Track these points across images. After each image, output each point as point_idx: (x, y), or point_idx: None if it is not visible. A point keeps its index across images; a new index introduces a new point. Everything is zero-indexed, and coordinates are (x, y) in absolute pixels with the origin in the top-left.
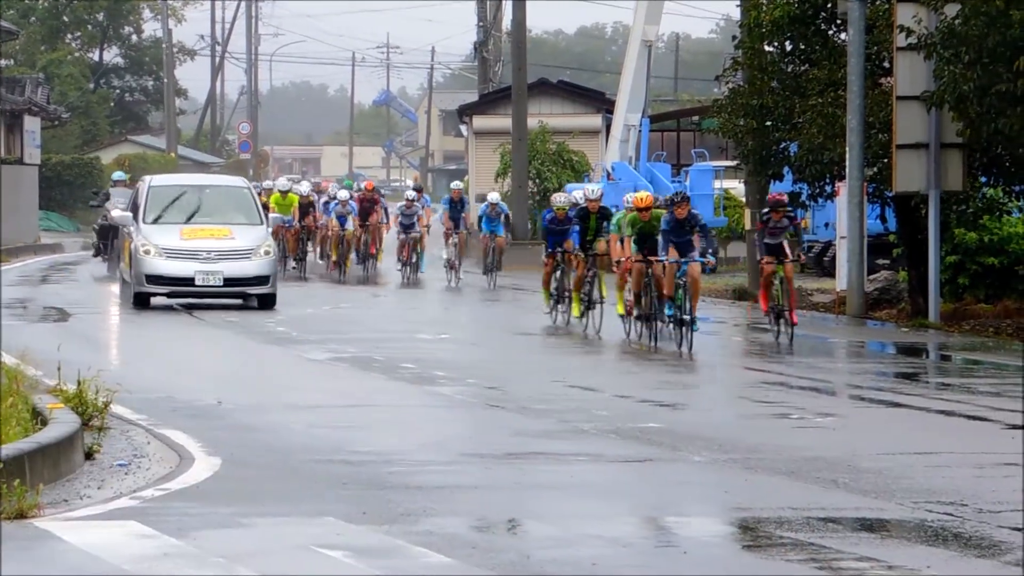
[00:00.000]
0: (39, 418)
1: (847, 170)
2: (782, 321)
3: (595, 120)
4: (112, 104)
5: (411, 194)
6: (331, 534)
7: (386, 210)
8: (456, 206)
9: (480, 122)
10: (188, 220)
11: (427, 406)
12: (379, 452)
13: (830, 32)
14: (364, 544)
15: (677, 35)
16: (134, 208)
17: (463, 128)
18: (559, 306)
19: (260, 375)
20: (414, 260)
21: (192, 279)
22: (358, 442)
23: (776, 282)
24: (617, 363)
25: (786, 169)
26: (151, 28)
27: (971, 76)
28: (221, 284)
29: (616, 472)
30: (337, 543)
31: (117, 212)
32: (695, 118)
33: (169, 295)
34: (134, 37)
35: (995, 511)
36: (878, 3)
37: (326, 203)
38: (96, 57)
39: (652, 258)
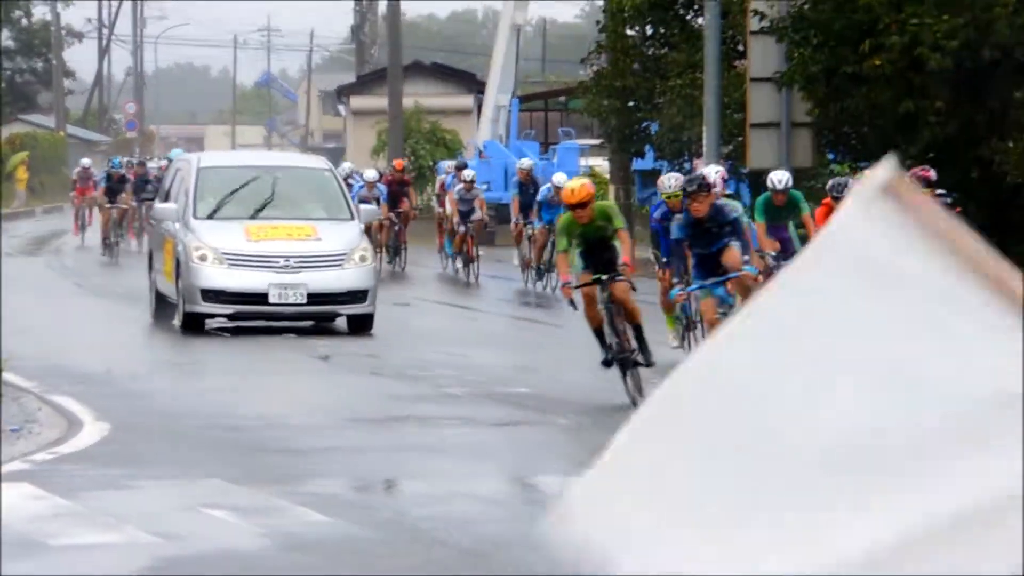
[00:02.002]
0: None
1: (704, 148)
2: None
3: (467, 100)
4: (3, 85)
5: (469, 173)
6: (216, 495)
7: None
8: (527, 189)
9: (357, 102)
10: (255, 214)
11: None
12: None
13: (688, 17)
14: (248, 504)
15: (544, 19)
16: (167, 196)
17: (341, 108)
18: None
19: (147, 342)
20: (475, 254)
21: (265, 295)
22: (242, 407)
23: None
24: None
25: (648, 147)
26: (40, 12)
27: (819, 58)
28: (304, 301)
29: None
30: (222, 503)
31: (158, 204)
32: (562, 99)
33: (232, 316)
34: (24, 20)
35: None
36: None
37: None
38: None
39: (609, 276)
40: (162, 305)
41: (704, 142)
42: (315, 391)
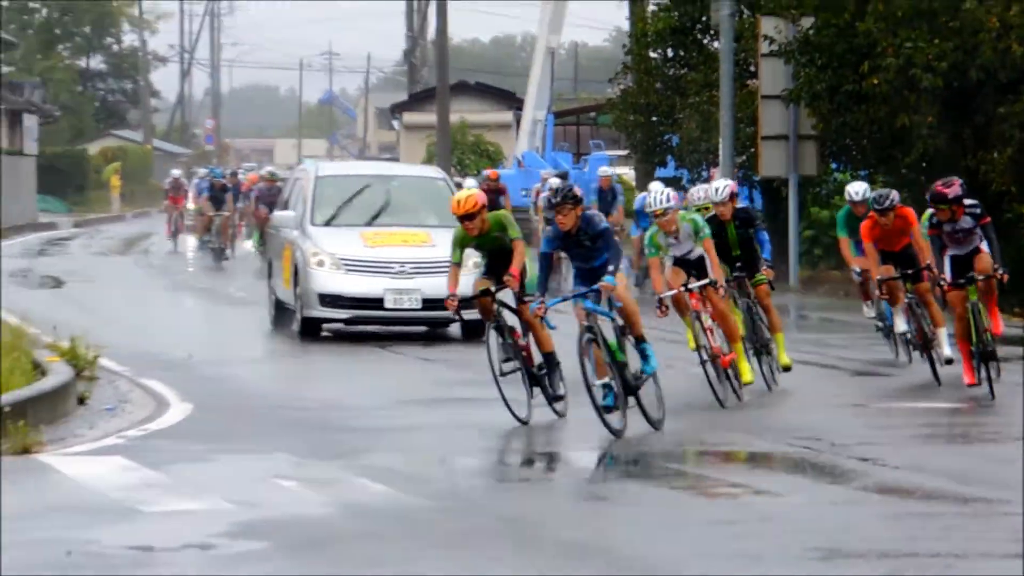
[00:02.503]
0: (39, 369)
1: (720, 158)
2: (986, 368)
3: (507, 116)
4: (97, 104)
5: (556, 182)
6: (286, 467)
7: None
8: (606, 196)
9: (409, 118)
10: (371, 221)
11: None
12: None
13: (705, 41)
14: (313, 476)
15: (576, 43)
16: (286, 204)
17: (395, 123)
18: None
19: (226, 333)
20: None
21: (381, 300)
22: (309, 391)
23: (970, 314)
24: None
25: (669, 157)
26: (129, 39)
27: (823, 78)
28: (419, 307)
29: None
30: (290, 475)
31: (277, 212)
32: (592, 114)
33: (348, 321)
34: (115, 47)
35: (845, 444)
36: (745, 16)
37: None
38: (84, 64)
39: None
40: (281, 312)
41: (720, 153)
42: (373, 376)
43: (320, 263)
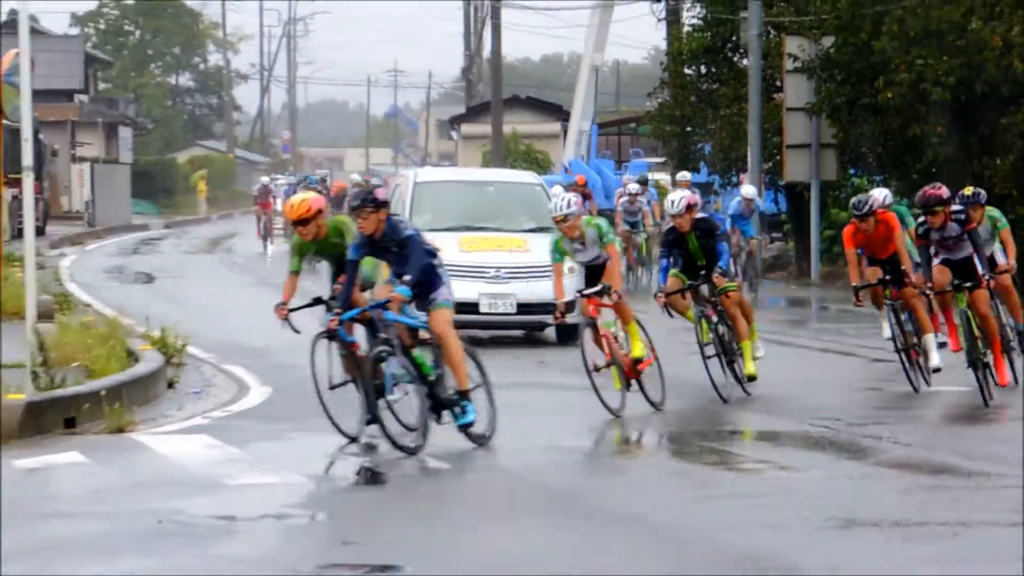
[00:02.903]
0: (133, 356)
1: (749, 164)
2: (985, 375)
3: (555, 127)
4: (185, 117)
5: (635, 187)
6: (354, 445)
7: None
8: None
9: (467, 128)
10: (467, 227)
11: None
12: None
13: (735, 59)
14: (380, 452)
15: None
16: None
17: (453, 133)
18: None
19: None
20: (640, 265)
21: (476, 305)
22: None
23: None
24: None
25: (702, 163)
26: (215, 58)
27: (842, 92)
28: (513, 311)
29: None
30: (358, 451)
31: None
32: (632, 125)
33: None
34: (202, 65)
35: (861, 424)
36: (771, 36)
37: None
38: (173, 81)
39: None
40: None
41: (748, 160)
42: None
43: None
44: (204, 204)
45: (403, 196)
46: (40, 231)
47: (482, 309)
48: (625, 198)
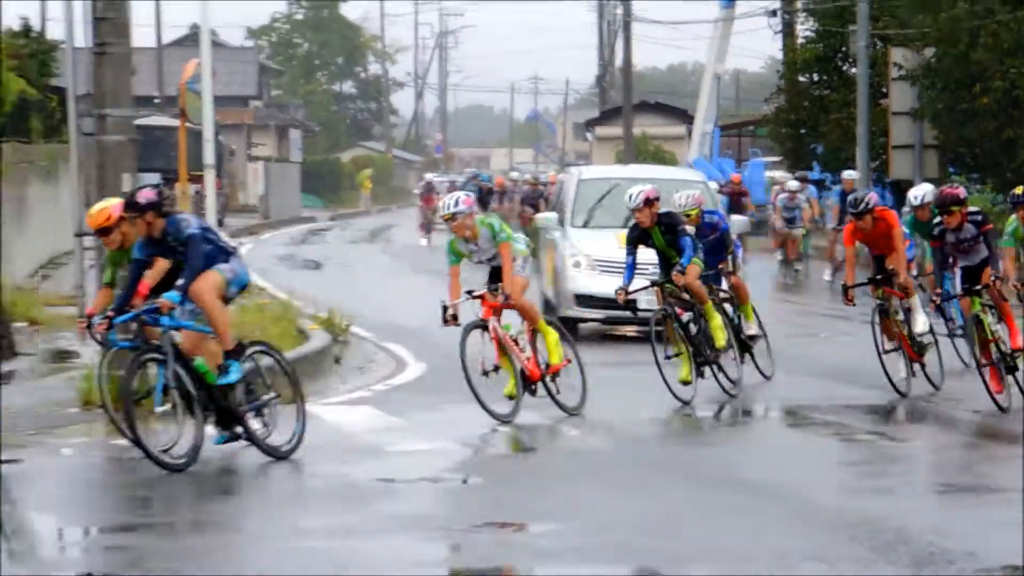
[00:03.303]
0: (303, 335)
1: (857, 163)
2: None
3: (680, 129)
4: (348, 121)
5: (794, 184)
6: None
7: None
8: (847, 197)
9: (600, 131)
10: (626, 223)
11: None
12: None
13: (844, 67)
14: (526, 421)
15: (738, 70)
16: (558, 207)
17: (588, 135)
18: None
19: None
20: (799, 260)
21: (633, 301)
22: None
23: (983, 327)
24: None
25: (815, 163)
26: (374, 68)
27: (943, 98)
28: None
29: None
30: (508, 424)
31: (541, 214)
32: (751, 127)
33: (604, 321)
34: (363, 74)
35: (958, 399)
36: (878, 47)
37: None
38: (337, 88)
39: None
40: (548, 310)
41: (857, 159)
42: (590, 351)
43: (576, 264)
44: (368, 199)
45: (567, 193)
46: (220, 222)
47: (640, 305)
48: (784, 195)
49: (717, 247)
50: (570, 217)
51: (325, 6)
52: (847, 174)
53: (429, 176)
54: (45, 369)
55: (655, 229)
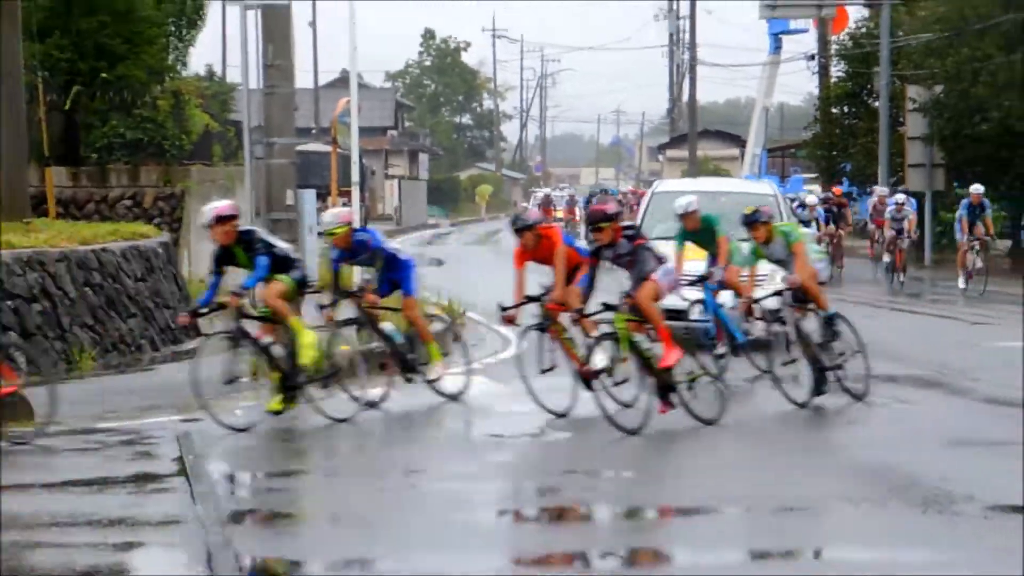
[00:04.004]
0: (430, 318)
1: (879, 179)
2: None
3: (735, 151)
4: (465, 146)
5: (901, 197)
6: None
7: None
8: (975, 211)
9: (670, 153)
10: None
11: None
12: None
13: (869, 101)
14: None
15: (782, 103)
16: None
17: (660, 157)
18: None
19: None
20: (903, 271)
21: (685, 312)
22: None
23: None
24: None
25: (845, 179)
26: (487, 103)
27: (949, 126)
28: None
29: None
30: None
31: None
32: (792, 150)
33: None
34: (478, 108)
35: (962, 369)
36: (896, 85)
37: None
38: (457, 120)
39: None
40: None
41: (879, 175)
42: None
43: None
44: (483, 209)
45: (643, 205)
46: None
47: (692, 315)
48: (892, 207)
49: (372, 264)
50: (643, 228)
51: (448, 54)
52: (975, 188)
53: (547, 190)
54: (223, 346)
55: (237, 248)
